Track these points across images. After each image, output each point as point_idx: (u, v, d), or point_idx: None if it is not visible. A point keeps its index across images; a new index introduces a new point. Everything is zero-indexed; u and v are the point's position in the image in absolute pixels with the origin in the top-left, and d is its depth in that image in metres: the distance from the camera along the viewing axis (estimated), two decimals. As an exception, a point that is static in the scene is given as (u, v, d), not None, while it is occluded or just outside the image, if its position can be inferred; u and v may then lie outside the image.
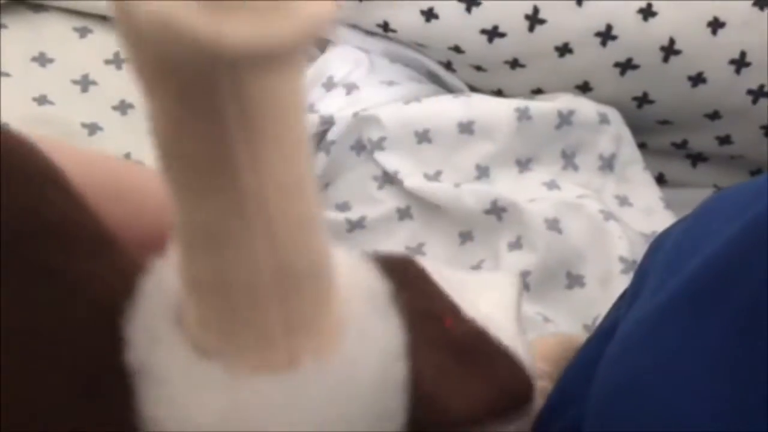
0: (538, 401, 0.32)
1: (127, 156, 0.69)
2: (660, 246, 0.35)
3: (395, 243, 0.68)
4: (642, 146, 0.74)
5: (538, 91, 0.75)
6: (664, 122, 0.74)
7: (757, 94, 0.69)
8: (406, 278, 0.26)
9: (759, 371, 0.25)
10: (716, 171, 0.77)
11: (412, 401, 0.23)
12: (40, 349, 0.21)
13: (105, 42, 0.75)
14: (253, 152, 0.18)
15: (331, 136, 0.70)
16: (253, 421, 0.20)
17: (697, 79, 0.70)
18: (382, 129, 0.69)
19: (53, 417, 0.21)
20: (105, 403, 0.21)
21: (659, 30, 0.69)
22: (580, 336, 0.56)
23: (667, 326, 0.29)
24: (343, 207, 0.70)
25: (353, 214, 0.69)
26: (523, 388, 0.27)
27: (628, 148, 0.72)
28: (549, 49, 0.71)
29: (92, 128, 0.71)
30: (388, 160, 0.69)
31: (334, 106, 0.72)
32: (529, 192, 0.68)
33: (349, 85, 0.73)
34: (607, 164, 0.72)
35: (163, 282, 0.21)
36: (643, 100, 0.73)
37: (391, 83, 0.74)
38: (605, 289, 0.63)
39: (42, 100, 0.71)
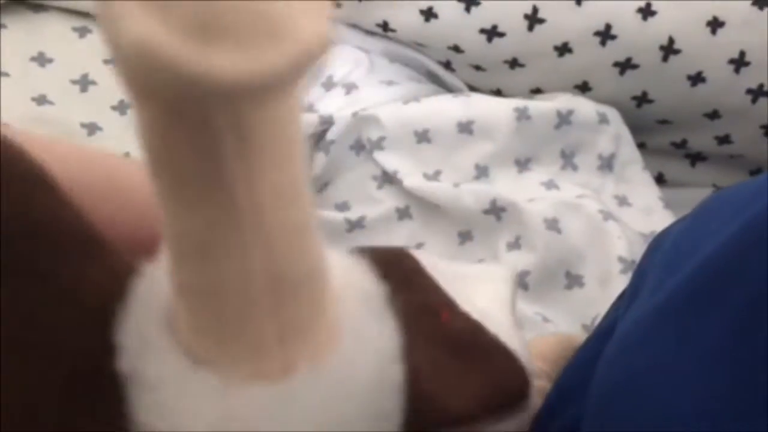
0: (537, 400, 0.32)
1: (127, 156, 0.69)
2: (659, 246, 0.35)
3: (395, 243, 0.68)
4: (641, 146, 0.74)
5: (537, 91, 0.75)
6: (664, 122, 0.74)
7: (756, 93, 0.69)
8: (401, 272, 0.26)
9: (757, 371, 0.25)
10: (715, 170, 0.77)
11: (409, 401, 0.23)
12: (31, 352, 0.21)
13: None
14: (247, 165, 0.17)
15: (330, 135, 0.70)
16: (247, 430, 0.20)
17: (697, 79, 0.70)
18: (382, 129, 0.69)
19: (43, 418, 0.21)
20: (96, 406, 0.21)
21: (658, 29, 0.69)
22: (579, 336, 0.56)
23: (665, 326, 0.29)
24: (343, 207, 0.70)
25: (353, 214, 0.69)
26: (518, 383, 0.27)
27: (628, 148, 0.72)
28: (548, 48, 0.71)
29: (91, 128, 0.71)
30: (388, 160, 0.69)
31: (334, 105, 0.72)
32: (528, 192, 0.68)
33: (348, 85, 0.73)
34: (607, 164, 0.72)
35: (155, 286, 0.21)
36: (642, 99, 0.73)
37: (390, 83, 0.74)
38: (604, 288, 0.63)
39: (41, 99, 0.71)
